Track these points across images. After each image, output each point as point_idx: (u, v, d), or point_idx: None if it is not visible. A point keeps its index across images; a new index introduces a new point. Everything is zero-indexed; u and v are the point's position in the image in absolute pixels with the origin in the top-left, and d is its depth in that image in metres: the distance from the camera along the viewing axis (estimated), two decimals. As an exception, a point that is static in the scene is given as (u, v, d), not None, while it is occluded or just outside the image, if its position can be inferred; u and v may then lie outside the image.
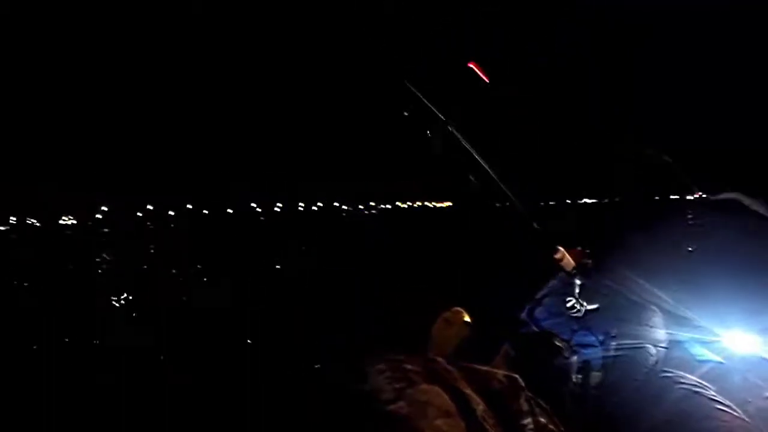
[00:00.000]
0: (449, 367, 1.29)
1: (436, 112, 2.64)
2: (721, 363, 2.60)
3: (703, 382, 2.47)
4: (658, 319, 2.65)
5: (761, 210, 2.73)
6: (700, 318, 2.67)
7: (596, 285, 2.80)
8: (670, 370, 2.55)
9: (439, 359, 1.26)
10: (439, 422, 1.11)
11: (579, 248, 2.91)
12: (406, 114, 2.64)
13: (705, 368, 2.59)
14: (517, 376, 1.46)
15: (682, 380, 2.47)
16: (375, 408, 1.11)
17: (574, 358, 2.50)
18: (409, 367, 1.20)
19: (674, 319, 2.70)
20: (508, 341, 2.68)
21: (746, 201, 2.78)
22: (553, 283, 2.96)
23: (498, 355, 2.64)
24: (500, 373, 1.44)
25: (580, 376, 2.54)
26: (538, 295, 2.94)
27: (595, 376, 2.61)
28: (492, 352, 2.62)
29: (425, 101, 2.56)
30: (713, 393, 2.42)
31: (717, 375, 2.56)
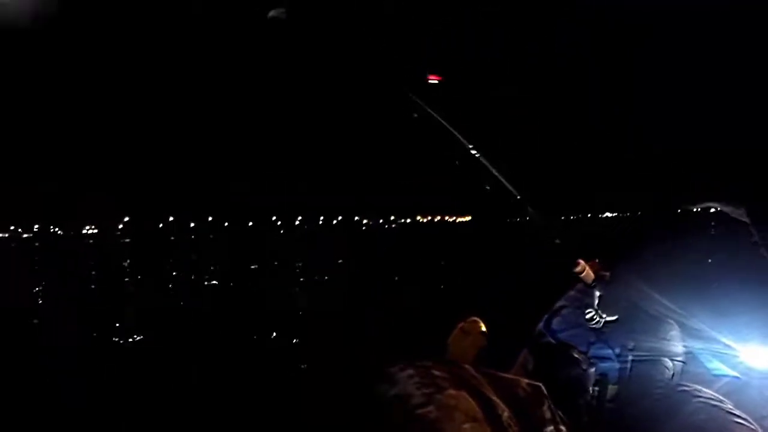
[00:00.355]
0: (475, 374, 1.34)
1: (449, 128, 2.69)
2: (737, 378, 2.62)
3: (720, 397, 2.48)
4: (675, 332, 2.66)
5: (743, 219, 2.73)
6: (716, 332, 2.68)
7: (614, 297, 2.83)
8: (687, 384, 2.56)
9: (466, 366, 1.31)
10: (466, 426, 1.15)
11: (596, 260, 2.94)
12: (415, 116, 2.68)
13: (721, 383, 2.60)
14: (540, 384, 1.50)
15: (700, 394, 2.48)
16: (404, 412, 1.16)
17: (592, 370, 2.52)
18: (436, 372, 1.25)
19: (690, 332, 2.71)
20: (526, 350, 2.71)
21: (728, 209, 2.78)
22: (570, 294, 2.99)
23: (515, 364, 2.68)
24: (524, 381, 1.48)
25: (596, 388, 2.55)
26: (555, 306, 2.96)
27: (612, 389, 2.62)
28: (509, 361, 2.66)
29: (445, 124, 2.61)
30: (730, 406, 2.43)
31: (733, 390, 2.57)
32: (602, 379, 2.58)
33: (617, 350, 2.71)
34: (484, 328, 2.77)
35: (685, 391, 2.52)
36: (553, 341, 2.80)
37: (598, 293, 2.80)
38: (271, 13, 2.44)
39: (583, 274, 2.79)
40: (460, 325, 2.79)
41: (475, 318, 2.81)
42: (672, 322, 2.68)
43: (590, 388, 2.49)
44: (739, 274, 2.73)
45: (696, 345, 2.68)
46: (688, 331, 2.69)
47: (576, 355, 2.48)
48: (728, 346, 2.67)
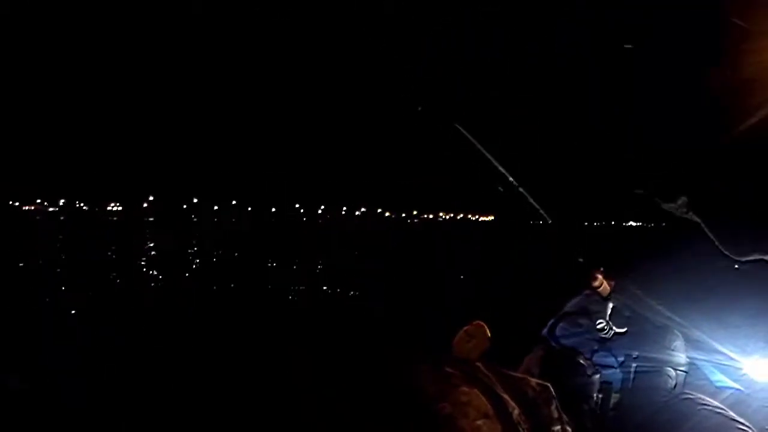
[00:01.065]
0: (486, 372, 1.38)
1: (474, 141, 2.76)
2: (740, 390, 2.63)
3: (723, 407, 2.49)
4: (679, 342, 2.69)
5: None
6: (718, 344, 2.70)
7: (621, 308, 2.86)
8: (691, 393, 2.58)
9: (478, 363, 1.35)
10: (479, 422, 1.18)
11: (600, 269, 2.97)
12: (420, 109, 2.73)
13: (724, 395, 2.62)
14: (548, 384, 1.54)
15: (704, 402, 2.50)
16: (419, 406, 1.19)
17: (596, 377, 2.54)
18: (450, 369, 1.29)
19: (693, 344, 2.73)
20: (530, 355, 2.73)
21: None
22: (575, 301, 3.01)
23: (520, 369, 2.70)
24: (534, 380, 1.52)
25: (600, 395, 2.57)
26: (560, 313, 2.99)
27: (615, 396, 2.64)
28: (514, 365, 2.68)
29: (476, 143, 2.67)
30: (734, 415, 2.45)
31: (736, 401, 2.58)
32: (606, 387, 2.60)
33: (621, 358, 2.73)
34: (488, 332, 2.80)
35: (689, 399, 2.53)
36: (557, 347, 2.83)
37: (611, 305, 2.85)
38: None
39: (600, 288, 2.84)
40: (465, 328, 2.81)
41: (480, 322, 2.83)
42: (676, 332, 2.70)
43: (594, 395, 2.51)
44: (739, 286, 2.75)
45: (699, 356, 2.70)
46: (691, 343, 2.71)
47: (581, 362, 2.50)
48: (731, 359, 2.69)
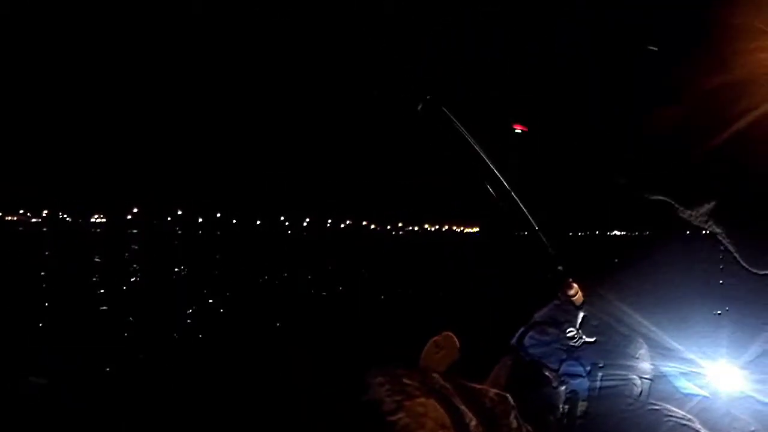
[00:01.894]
0: (445, 383, 1.38)
1: (470, 140, 2.76)
2: (705, 397, 2.65)
3: (690, 416, 2.51)
4: (644, 351, 2.70)
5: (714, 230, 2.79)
6: (685, 350, 2.72)
7: (590, 316, 2.87)
8: (658, 403, 2.59)
9: (435, 375, 1.35)
10: None
11: (570, 279, 2.98)
12: (419, 108, 2.74)
13: (690, 401, 2.64)
14: (507, 395, 1.54)
15: (671, 413, 2.52)
16: (376, 418, 1.20)
17: (562, 388, 2.55)
18: (407, 381, 1.29)
19: (660, 351, 2.75)
20: (499, 365, 2.73)
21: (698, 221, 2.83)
22: (544, 311, 3.02)
23: (488, 379, 2.69)
24: (492, 391, 1.53)
25: (566, 406, 2.58)
26: (530, 322, 2.99)
27: (582, 405, 2.65)
28: (482, 376, 2.67)
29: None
30: (699, 426, 2.47)
31: (702, 408, 2.61)
32: (572, 397, 2.61)
33: (588, 368, 2.74)
34: (457, 343, 2.79)
35: (656, 410, 2.55)
36: (525, 357, 2.83)
37: (582, 314, 2.85)
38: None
39: (575, 297, 2.85)
40: (434, 338, 2.81)
41: (449, 333, 2.83)
42: (641, 341, 2.72)
43: (560, 406, 2.52)
44: (703, 292, 2.78)
45: (665, 364, 2.72)
46: (657, 351, 2.73)
47: (547, 374, 2.51)
48: (696, 365, 2.71)
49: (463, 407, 1.32)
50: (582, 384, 2.70)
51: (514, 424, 1.49)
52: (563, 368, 2.74)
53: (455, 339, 2.88)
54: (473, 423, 1.29)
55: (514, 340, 2.93)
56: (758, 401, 2.59)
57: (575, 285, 2.87)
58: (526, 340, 2.89)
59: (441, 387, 1.33)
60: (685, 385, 2.69)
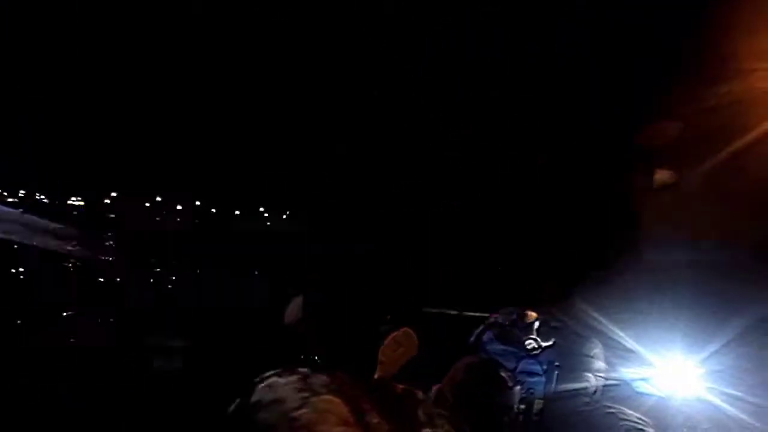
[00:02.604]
0: (350, 381, 1.37)
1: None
2: (659, 397, 2.67)
3: (645, 419, 2.52)
4: (598, 350, 2.70)
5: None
6: (642, 350, 2.73)
7: (550, 318, 2.86)
8: (614, 405, 2.59)
9: (340, 374, 1.34)
10: (338, 429, 1.20)
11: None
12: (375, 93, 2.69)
13: (645, 401, 2.65)
14: (415, 390, 1.54)
15: (625, 417, 2.52)
16: (280, 414, 1.20)
17: (517, 388, 2.52)
18: (313, 380, 1.29)
19: (617, 351, 2.76)
20: (457, 363, 2.68)
21: None
22: (504, 309, 3.00)
23: (446, 377, 2.65)
24: (400, 386, 1.51)
25: (522, 405, 2.56)
26: (488, 321, 2.97)
27: (538, 403, 2.64)
28: (440, 374, 2.63)
29: None
30: (652, 430, 2.48)
31: (656, 408, 2.62)
32: (528, 396, 2.59)
33: (545, 366, 2.72)
34: (416, 340, 2.75)
35: (611, 413, 2.55)
36: (483, 355, 2.80)
37: (537, 324, 2.83)
38: None
39: (531, 319, 2.84)
40: (394, 334, 2.76)
41: (408, 329, 2.78)
42: (596, 341, 2.72)
43: (515, 406, 2.49)
44: (657, 290, 2.80)
45: (621, 364, 2.73)
46: (612, 351, 2.73)
47: (502, 374, 2.48)
48: (652, 365, 2.73)
49: (366, 405, 1.32)
50: (539, 382, 2.68)
51: (422, 418, 1.48)
52: (521, 366, 2.72)
53: (414, 335, 2.82)
54: (375, 420, 1.29)
55: (472, 338, 2.90)
56: (711, 401, 2.62)
57: (532, 313, 2.86)
58: (485, 338, 2.87)
59: (347, 385, 1.33)
60: (641, 385, 2.70)
